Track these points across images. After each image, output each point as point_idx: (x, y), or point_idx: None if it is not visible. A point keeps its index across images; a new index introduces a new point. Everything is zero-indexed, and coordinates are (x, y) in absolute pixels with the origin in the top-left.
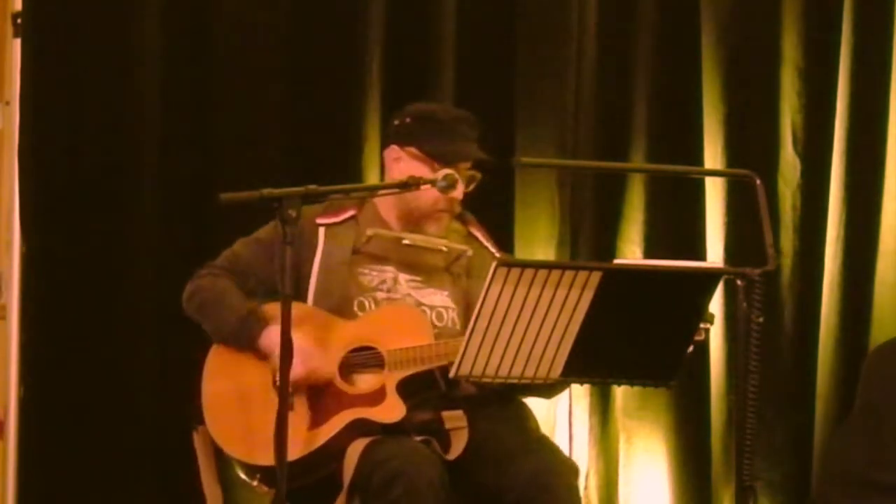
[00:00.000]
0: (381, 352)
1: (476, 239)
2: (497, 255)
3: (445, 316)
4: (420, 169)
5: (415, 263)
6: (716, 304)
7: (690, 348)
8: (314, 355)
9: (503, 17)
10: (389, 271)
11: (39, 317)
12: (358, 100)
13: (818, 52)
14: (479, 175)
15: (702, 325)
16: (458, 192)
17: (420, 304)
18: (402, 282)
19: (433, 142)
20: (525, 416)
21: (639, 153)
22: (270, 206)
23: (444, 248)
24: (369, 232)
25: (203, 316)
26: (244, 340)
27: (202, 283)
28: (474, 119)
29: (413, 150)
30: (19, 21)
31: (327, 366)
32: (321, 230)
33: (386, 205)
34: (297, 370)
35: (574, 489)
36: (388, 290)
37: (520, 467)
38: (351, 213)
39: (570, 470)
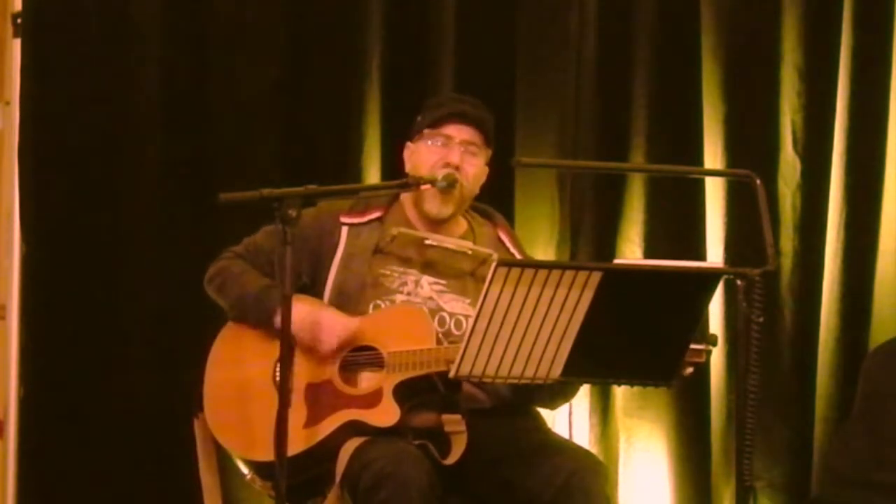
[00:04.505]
0: (381, 353)
1: (503, 244)
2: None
3: (465, 324)
4: (422, 149)
5: (439, 266)
6: (716, 304)
7: (691, 370)
8: (338, 324)
9: (503, 17)
10: (412, 273)
11: (39, 317)
12: (358, 99)
13: (818, 52)
14: (488, 151)
15: (703, 348)
16: (454, 157)
17: (441, 309)
18: (424, 285)
19: (429, 116)
20: (538, 415)
21: (639, 153)
22: (270, 206)
23: (469, 251)
24: (393, 231)
25: (223, 293)
26: (262, 314)
27: (222, 264)
28: (478, 101)
29: (417, 135)
30: (19, 21)
31: (351, 328)
32: (344, 229)
33: (410, 205)
34: (333, 335)
35: (607, 488)
36: (409, 293)
37: (555, 466)
38: (377, 214)
39: (604, 469)
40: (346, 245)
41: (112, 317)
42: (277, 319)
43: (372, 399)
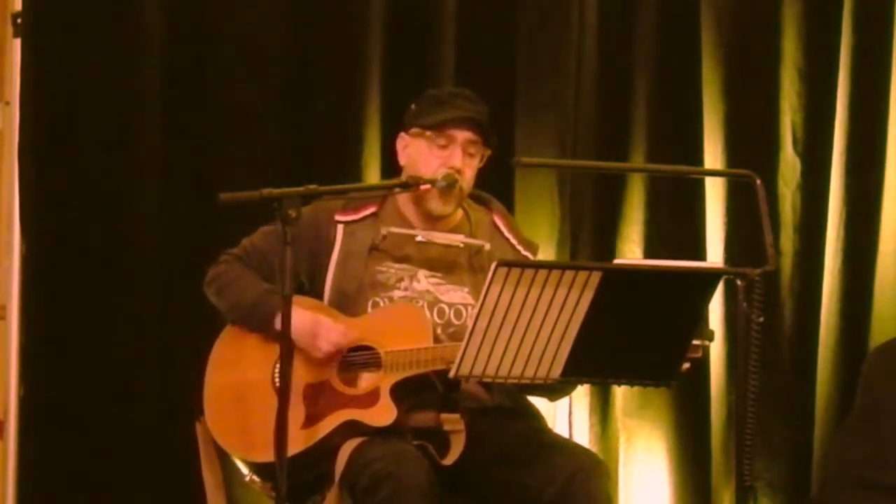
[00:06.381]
0: (378, 353)
1: (499, 230)
2: (518, 247)
3: (465, 313)
4: (421, 146)
5: (435, 260)
6: (716, 304)
7: (688, 365)
8: (336, 327)
9: (503, 18)
10: (409, 268)
11: (39, 317)
12: (358, 99)
13: (818, 52)
14: (487, 150)
15: (700, 343)
16: (456, 160)
17: (439, 301)
18: (421, 279)
19: (429, 114)
20: (538, 415)
21: (639, 153)
22: (270, 206)
23: (461, 244)
24: (383, 231)
25: (221, 298)
26: (260, 318)
27: (220, 269)
28: (474, 95)
29: (414, 130)
30: (19, 21)
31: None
32: (340, 227)
33: (405, 200)
34: (330, 342)
35: (608, 488)
36: (406, 288)
37: (556, 465)
38: (371, 210)
39: (605, 468)
40: (343, 244)
41: (112, 316)
42: (274, 324)
43: (369, 399)
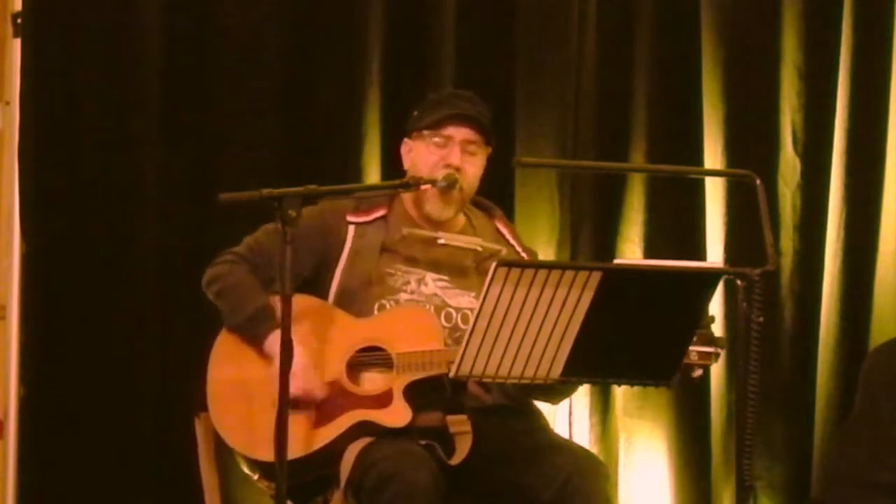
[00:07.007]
0: (389, 354)
1: (503, 237)
2: (522, 253)
3: (472, 318)
4: (421, 147)
5: (444, 263)
6: (716, 304)
7: (699, 372)
8: (309, 376)
9: (503, 18)
10: (418, 272)
11: (39, 317)
12: (358, 99)
13: (818, 52)
14: (489, 149)
15: (713, 351)
16: (455, 158)
17: (447, 305)
18: (429, 282)
19: (428, 115)
20: (539, 415)
21: (639, 153)
22: (270, 206)
23: (480, 248)
24: (404, 231)
25: (219, 302)
26: (251, 337)
27: (222, 269)
28: (474, 96)
29: (415, 133)
30: (19, 21)
31: (326, 377)
32: (351, 228)
33: (410, 204)
34: (297, 387)
35: (607, 488)
36: (413, 292)
37: (555, 466)
38: (381, 212)
39: (604, 469)
40: (353, 244)
41: (112, 316)
42: (264, 345)
43: (382, 399)
